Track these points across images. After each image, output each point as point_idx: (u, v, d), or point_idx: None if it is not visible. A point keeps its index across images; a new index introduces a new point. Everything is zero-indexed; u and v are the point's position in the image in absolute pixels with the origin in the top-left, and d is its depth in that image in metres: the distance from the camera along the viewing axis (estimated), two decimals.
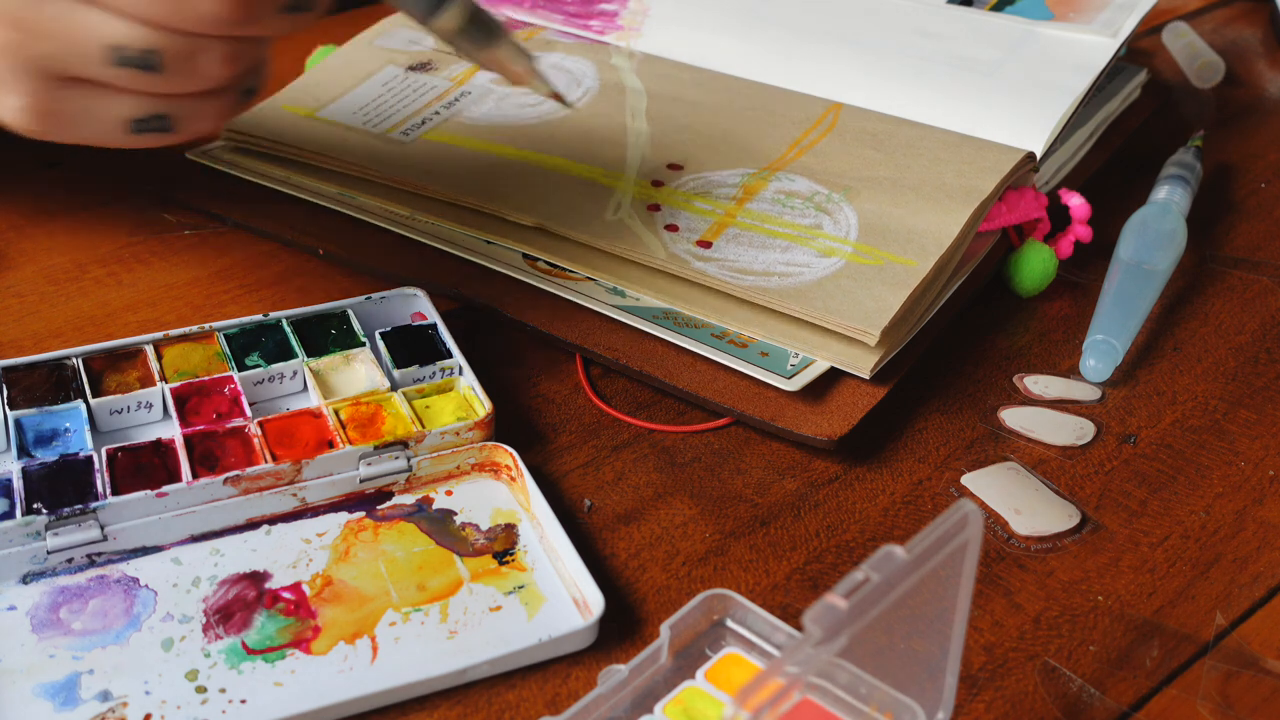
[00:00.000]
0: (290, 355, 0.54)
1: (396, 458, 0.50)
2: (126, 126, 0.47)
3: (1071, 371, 0.58)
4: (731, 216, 0.59)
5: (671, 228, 0.59)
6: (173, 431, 0.50)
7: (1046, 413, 0.56)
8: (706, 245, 0.58)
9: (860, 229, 0.58)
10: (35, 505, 0.47)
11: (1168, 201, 0.66)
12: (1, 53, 0.46)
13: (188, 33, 0.44)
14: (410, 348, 0.55)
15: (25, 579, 0.46)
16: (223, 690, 0.43)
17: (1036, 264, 0.61)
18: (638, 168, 0.62)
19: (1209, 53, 0.83)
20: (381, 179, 0.62)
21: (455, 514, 0.50)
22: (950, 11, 0.73)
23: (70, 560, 0.47)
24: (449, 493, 0.51)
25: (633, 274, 0.58)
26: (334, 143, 0.64)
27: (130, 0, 0.44)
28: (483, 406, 0.52)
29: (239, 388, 0.52)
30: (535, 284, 0.59)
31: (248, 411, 0.51)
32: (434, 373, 0.54)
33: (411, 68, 0.70)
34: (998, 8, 0.74)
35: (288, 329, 0.55)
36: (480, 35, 0.49)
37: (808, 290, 0.55)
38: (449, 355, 0.54)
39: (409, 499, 0.50)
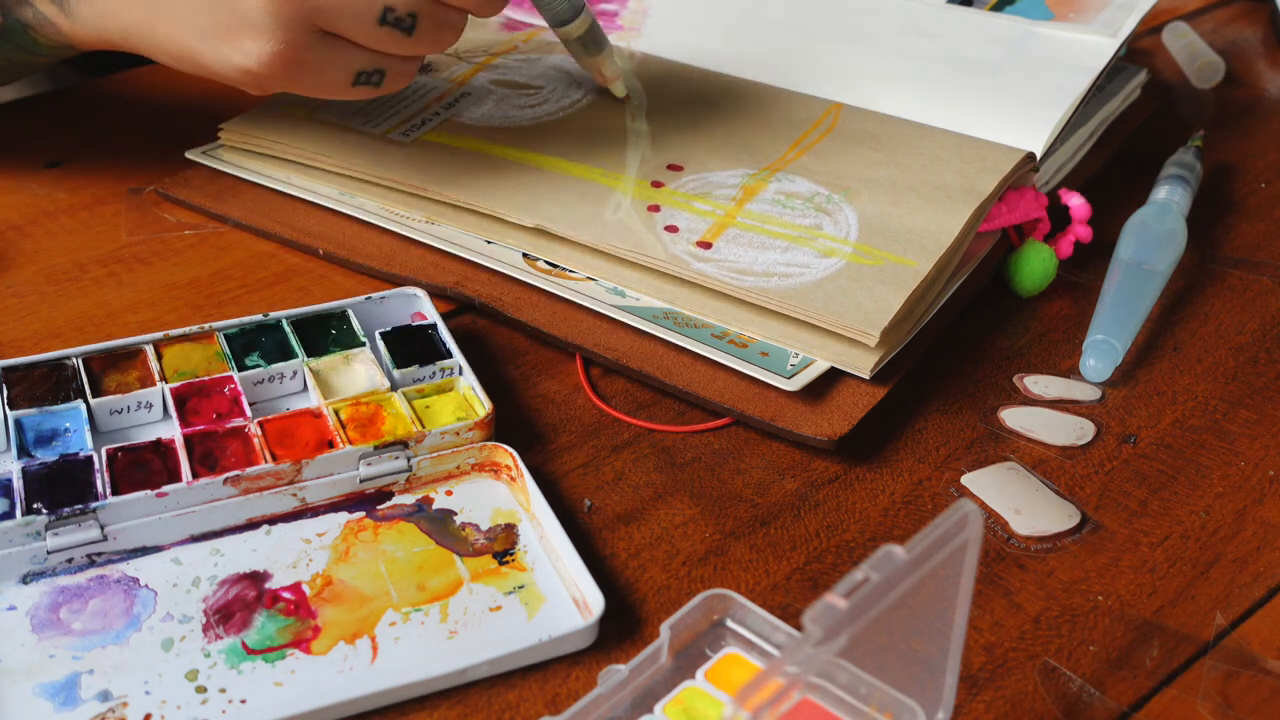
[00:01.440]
0: (290, 355, 0.54)
1: (396, 458, 0.50)
2: (351, 78, 0.55)
3: (1071, 371, 0.58)
4: (731, 217, 0.59)
5: (671, 229, 0.59)
6: (173, 431, 0.50)
7: (1046, 413, 0.56)
8: (706, 246, 0.58)
9: (860, 229, 0.58)
10: (35, 505, 0.47)
11: (1168, 201, 0.66)
12: (272, 1, 0.51)
13: (447, 4, 0.54)
14: (410, 348, 0.55)
15: (25, 579, 0.46)
16: (223, 690, 0.43)
17: (1036, 264, 0.61)
18: (637, 168, 0.62)
19: (1209, 53, 0.83)
20: (381, 180, 0.62)
21: (455, 514, 0.50)
22: (950, 11, 0.73)
23: (70, 560, 0.47)
24: (449, 493, 0.51)
25: (633, 274, 0.58)
26: (333, 143, 0.64)
27: None
28: (483, 406, 0.52)
29: (239, 388, 0.52)
30: (535, 284, 0.59)
31: (248, 411, 0.51)
32: (434, 373, 0.54)
33: None
34: (998, 8, 0.74)
35: (288, 329, 0.55)
36: (593, 45, 0.64)
37: (808, 291, 0.55)
38: (449, 355, 0.54)
39: (409, 499, 0.50)
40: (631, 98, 0.68)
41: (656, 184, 0.61)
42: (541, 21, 0.75)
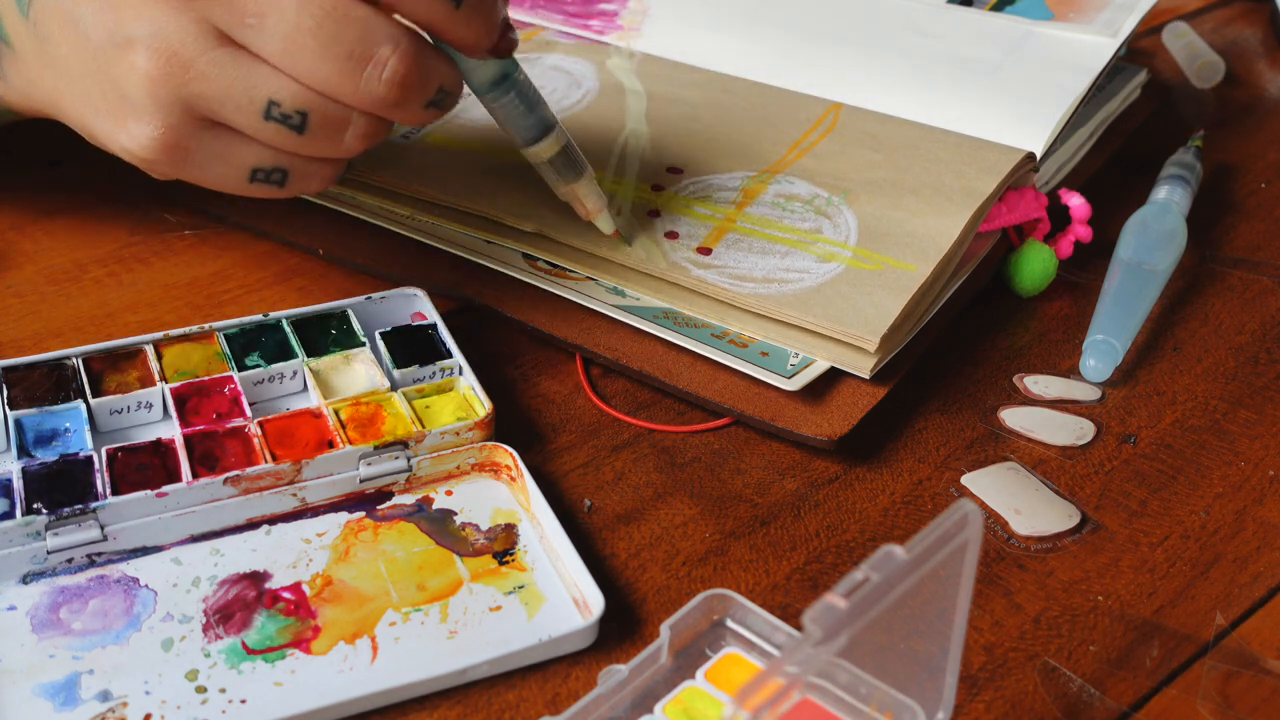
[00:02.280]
0: (290, 355, 0.54)
1: (396, 458, 0.50)
2: (247, 175, 0.50)
3: (1071, 371, 0.58)
4: (731, 221, 0.59)
5: (671, 235, 0.59)
6: (173, 431, 0.50)
7: (1046, 413, 0.56)
8: (706, 252, 0.58)
9: (860, 233, 0.58)
10: (35, 505, 0.47)
11: (1168, 201, 0.66)
12: (147, 82, 0.47)
13: (344, 104, 0.48)
14: (410, 348, 0.55)
15: (25, 579, 0.46)
16: (223, 690, 0.43)
17: (1036, 264, 0.61)
18: (637, 171, 0.62)
19: (1209, 53, 0.83)
20: (380, 183, 0.62)
21: (455, 514, 0.50)
22: (950, 11, 0.74)
23: (70, 560, 0.47)
24: (449, 493, 0.51)
25: (632, 276, 0.58)
26: None
27: (301, 65, 0.46)
28: (483, 406, 0.52)
29: (239, 388, 0.52)
30: (535, 284, 0.59)
31: (248, 411, 0.51)
32: (434, 373, 0.54)
33: None
34: (998, 8, 0.74)
35: (288, 329, 0.55)
36: (567, 169, 0.56)
37: (807, 297, 0.55)
38: (449, 355, 0.54)
39: (409, 499, 0.50)
40: (632, 99, 0.67)
41: (656, 187, 0.61)
42: (543, 20, 0.75)
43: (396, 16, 0.47)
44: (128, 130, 0.49)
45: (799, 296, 0.55)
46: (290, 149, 0.49)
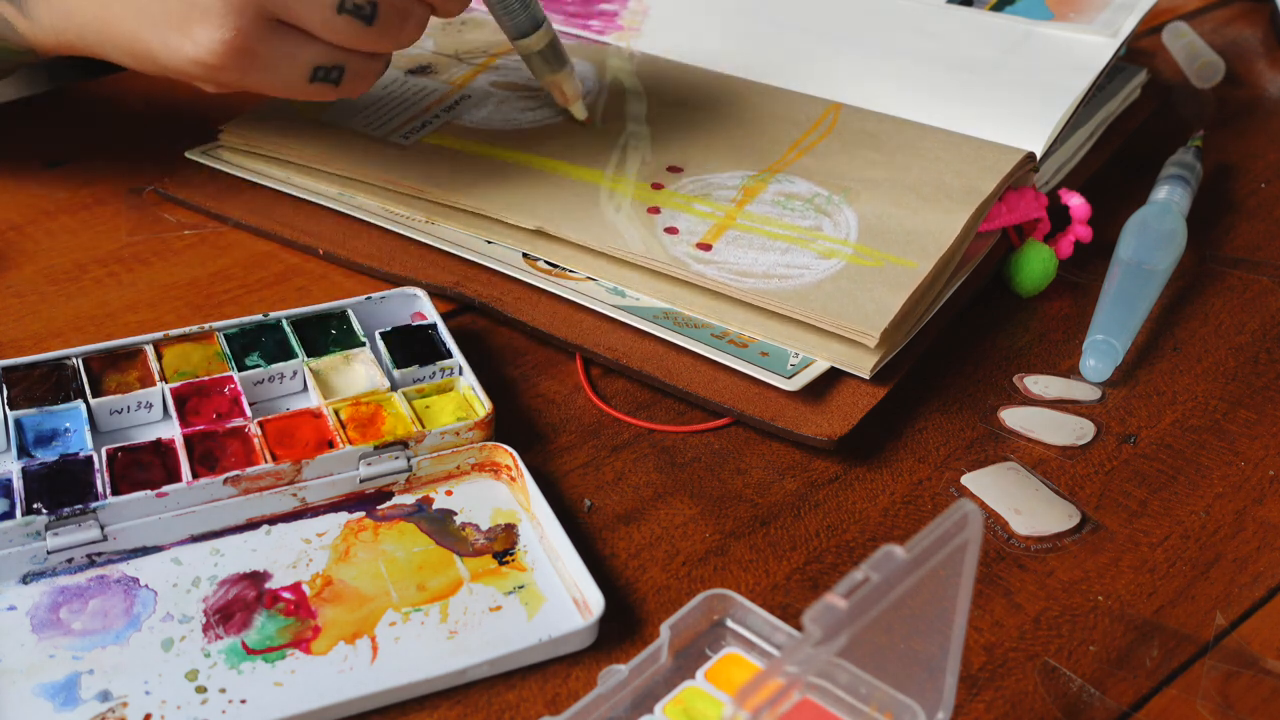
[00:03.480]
0: (290, 355, 0.54)
1: (396, 458, 0.50)
2: (309, 74, 0.52)
3: (1071, 371, 0.58)
4: (731, 219, 0.59)
5: (671, 230, 0.59)
6: (173, 431, 0.50)
7: (1046, 413, 0.56)
8: (706, 248, 0.58)
9: (860, 230, 0.58)
10: (35, 505, 0.47)
11: (1168, 201, 0.66)
12: None
13: None
14: (410, 348, 0.55)
15: (25, 579, 0.46)
16: (223, 690, 0.43)
17: (1036, 264, 0.61)
18: (637, 170, 0.62)
19: (1209, 53, 0.83)
20: (381, 183, 0.62)
21: (455, 514, 0.50)
22: (950, 11, 0.74)
23: (70, 560, 0.47)
24: (449, 493, 0.51)
25: (633, 275, 0.58)
26: (334, 146, 0.64)
27: None
28: (483, 406, 0.52)
29: (239, 388, 0.52)
30: (535, 284, 0.59)
31: (248, 411, 0.51)
32: (434, 373, 0.54)
33: (411, 71, 0.70)
34: (998, 8, 0.74)
35: (288, 329, 0.55)
36: (553, 60, 0.62)
37: (808, 293, 0.55)
38: (449, 355, 0.54)
39: (409, 499, 0.50)
40: (632, 99, 0.67)
41: (656, 186, 0.61)
42: None
43: None
44: (193, 37, 0.50)
45: (799, 292, 0.55)
46: (356, 43, 0.51)
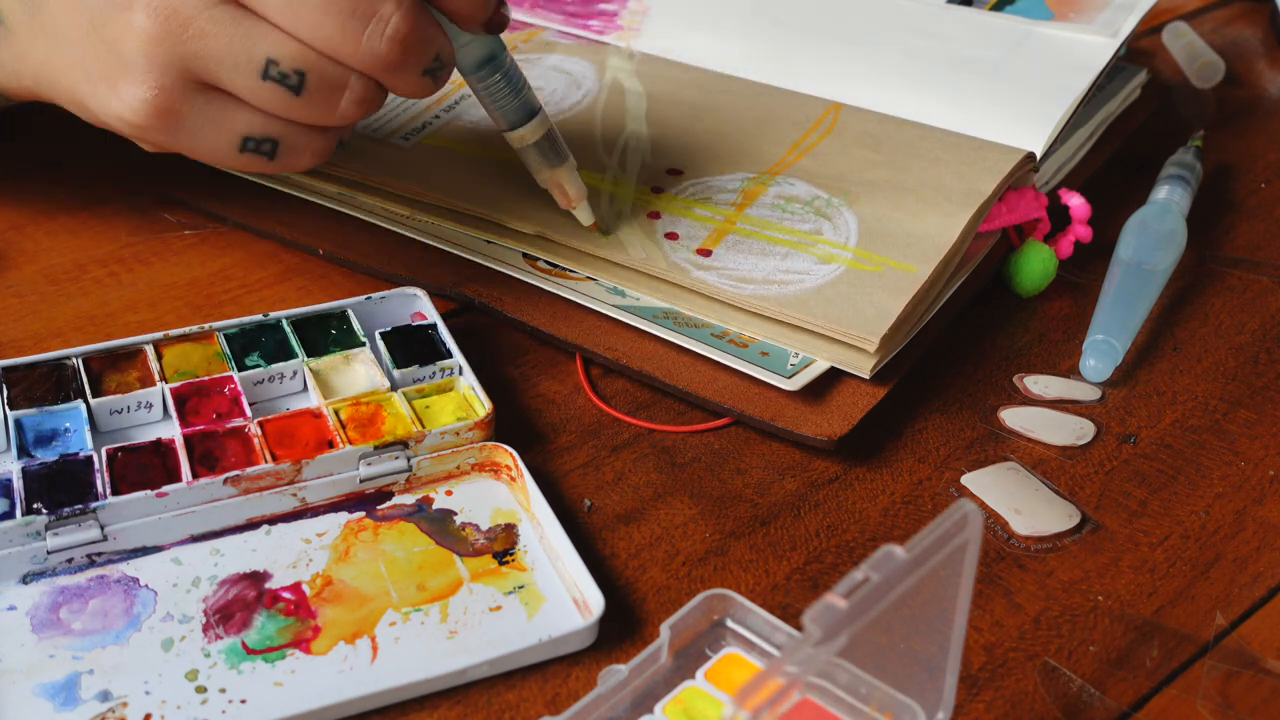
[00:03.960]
0: (290, 355, 0.54)
1: (396, 458, 0.50)
2: (237, 144, 0.49)
3: (1071, 371, 0.58)
4: (731, 223, 0.59)
5: (671, 236, 0.59)
6: (173, 431, 0.50)
7: (1046, 413, 0.56)
8: (706, 254, 0.58)
9: (860, 234, 0.58)
10: (35, 505, 0.47)
11: (1168, 201, 0.66)
12: (145, 41, 0.46)
13: (343, 64, 0.47)
14: (410, 348, 0.55)
15: (25, 579, 0.46)
16: (223, 690, 0.43)
17: (1036, 264, 0.61)
18: (637, 173, 0.62)
19: (1209, 53, 0.83)
20: (381, 185, 0.62)
21: (455, 514, 0.50)
22: (950, 11, 0.74)
23: (70, 560, 0.47)
24: (449, 493, 0.51)
25: (632, 276, 0.58)
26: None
27: (303, 21, 0.46)
28: (483, 406, 0.52)
29: (239, 388, 0.52)
30: (535, 284, 0.59)
31: (248, 411, 0.51)
32: (434, 373, 0.54)
33: None
34: (998, 8, 0.74)
35: (288, 329, 0.55)
36: (550, 155, 0.56)
37: (807, 298, 0.55)
38: (449, 355, 0.54)
39: (409, 499, 0.50)
40: (632, 100, 0.67)
41: (657, 189, 0.61)
42: (543, 20, 0.75)
43: None
44: (119, 94, 0.48)
45: (799, 298, 0.55)
46: (285, 113, 0.48)
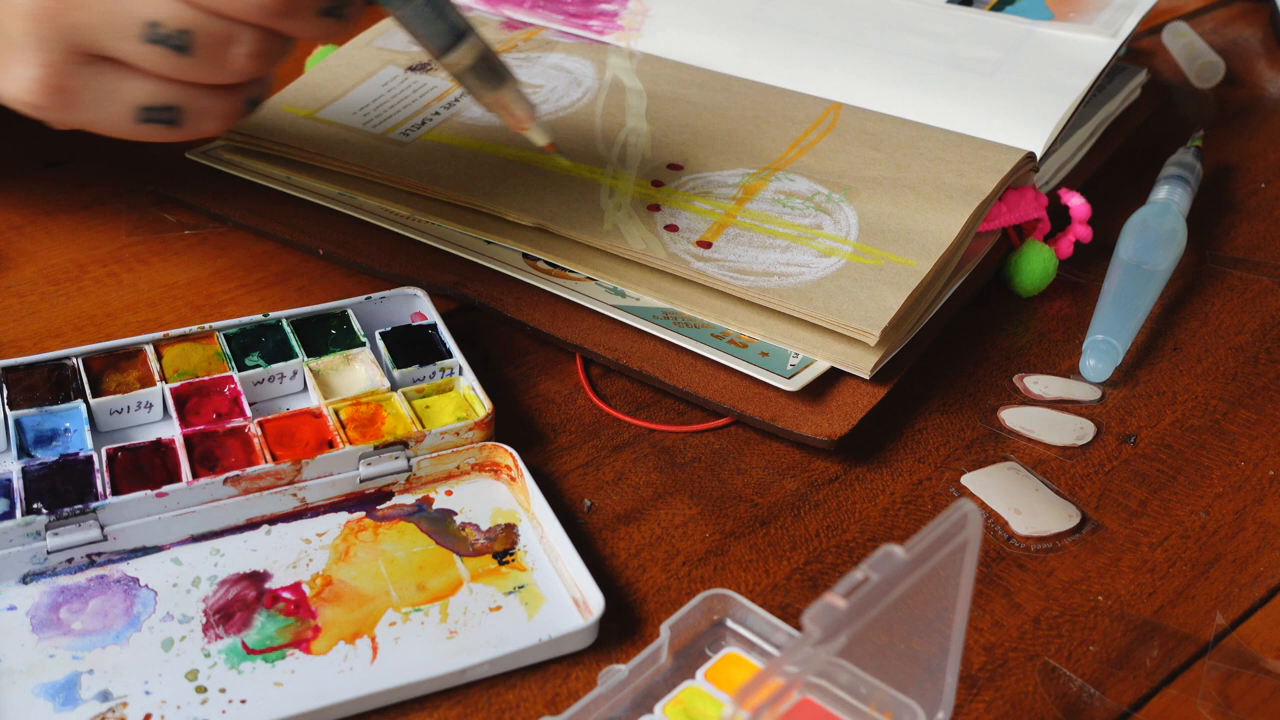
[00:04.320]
0: (290, 355, 0.54)
1: (396, 458, 0.50)
2: (135, 114, 0.47)
3: (1071, 371, 0.58)
4: (731, 216, 0.59)
5: (671, 228, 0.59)
6: (173, 431, 0.50)
7: (1046, 413, 0.56)
8: (706, 245, 0.58)
9: (860, 229, 0.58)
10: (35, 505, 0.47)
11: (1168, 201, 0.66)
12: (29, 17, 0.45)
13: (227, 17, 0.45)
14: (410, 348, 0.55)
15: (25, 579, 0.46)
16: (223, 690, 0.43)
17: (1036, 264, 0.61)
18: (637, 168, 0.62)
19: (1209, 53, 0.83)
20: (381, 179, 0.62)
21: (455, 514, 0.50)
22: (950, 11, 0.73)
23: (70, 560, 0.47)
24: (449, 493, 0.51)
25: (633, 274, 0.58)
26: (334, 143, 0.64)
27: None
28: (483, 406, 0.52)
29: (239, 388, 0.52)
30: (535, 284, 0.59)
31: (248, 411, 0.51)
32: (434, 373, 0.54)
33: (411, 68, 0.70)
34: (998, 8, 0.74)
35: (288, 329, 0.55)
36: (489, 76, 0.51)
37: (808, 290, 0.55)
38: (449, 355, 0.54)
39: (409, 499, 0.50)
40: (632, 98, 0.67)
41: (657, 183, 0.61)
42: (543, 20, 0.75)
43: None
44: (12, 74, 0.46)
45: (800, 290, 0.55)
46: (178, 76, 0.46)
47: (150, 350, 0.54)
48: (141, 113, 0.47)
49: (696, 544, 0.49)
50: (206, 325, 0.55)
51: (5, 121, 0.70)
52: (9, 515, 0.47)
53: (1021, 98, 0.66)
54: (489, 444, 0.51)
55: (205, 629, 0.45)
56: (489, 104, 0.52)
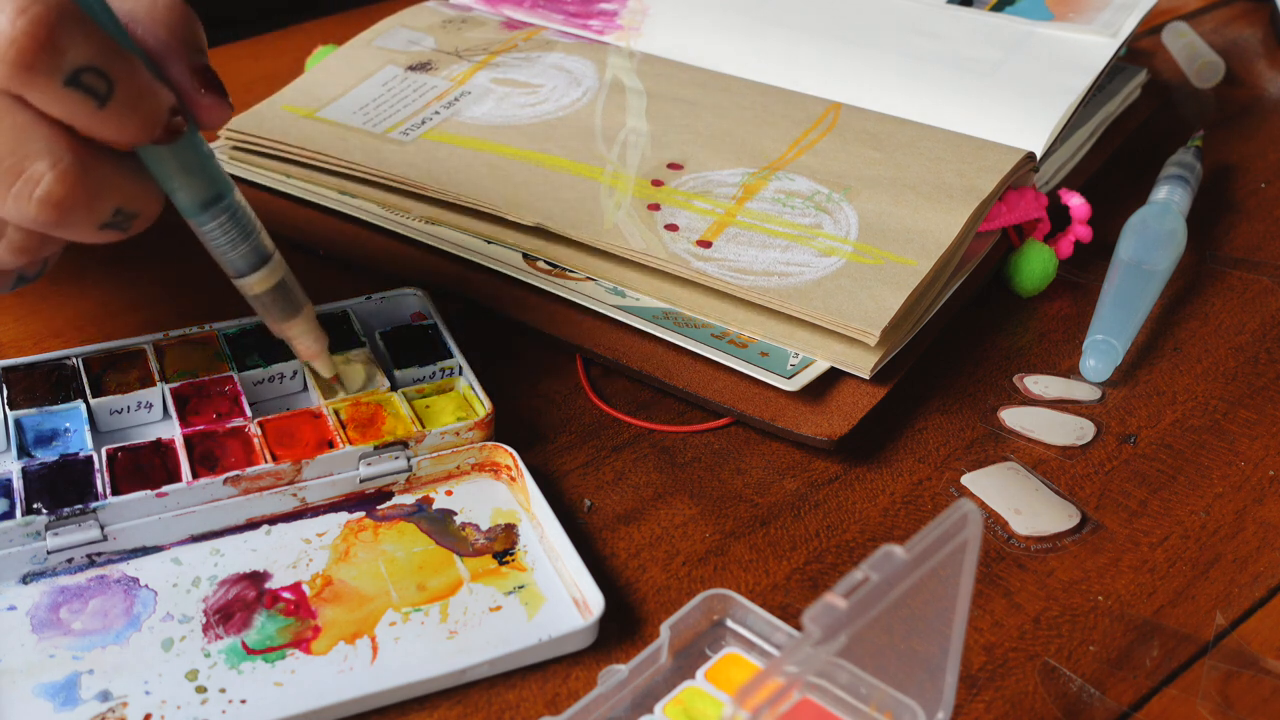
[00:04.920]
0: (290, 355, 0.54)
1: (396, 458, 0.50)
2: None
3: (1071, 371, 0.58)
4: (731, 216, 0.59)
5: (671, 227, 0.59)
6: (173, 431, 0.50)
7: (1046, 413, 0.56)
8: (706, 245, 0.58)
9: (860, 228, 0.58)
10: (35, 505, 0.47)
11: (1168, 201, 0.66)
12: None
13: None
14: (410, 348, 0.55)
15: (25, 579, 0.46)
16: (223, 690, 0.43)
17: (1036, 264, 0.61)
18: (637, 167, 0.62)
19: (1209, 53, 0.83)
20: (381, 179, 0.62)
21: (455, 514, 0.50)
22: (950, 11, 0.74)
23: (70, 560, 0.47)
24: (449, 493, 0.51)
25: (632, 273, 0.58)
26: (334, 143, 0.64)
27: None
28: (483, 406, 0.52)
29: (239, 388, 0.52)
30: (535, 284, 0.59)
31: (248, 411, 0.51)
32: (434, 373, 0.54)
33: (411, 67, 0.70)
34: (998, 8, 0.74)
35: None
36: (285, 304, 0.49)
37: (808, 290, 0.55)
38: (449, 355, 0.54)
39: (409, 499, 0.50)
40: (632, 97, 0.67)
41: (656, 182, 0.61)
42: (543, 20, 0.75)
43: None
44: None
45: (800, 289, 0.55)
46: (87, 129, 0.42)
47: (150, 350, 0.54)
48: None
49: (696, 544, 0.49)
50: (206, 325, 0.55)
51: None
52: (9, 515, 0.47)
53: (1021, 98, 0.66)
54: (489, 444, 0.51)
55: (205, 629, 0.45)
56: (278, 332, 0.51)
